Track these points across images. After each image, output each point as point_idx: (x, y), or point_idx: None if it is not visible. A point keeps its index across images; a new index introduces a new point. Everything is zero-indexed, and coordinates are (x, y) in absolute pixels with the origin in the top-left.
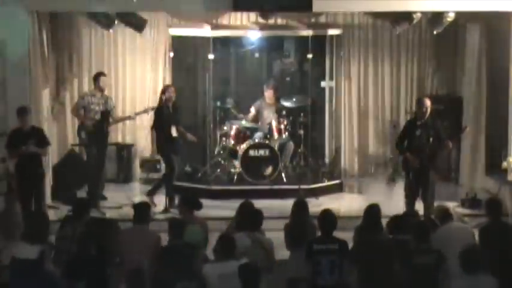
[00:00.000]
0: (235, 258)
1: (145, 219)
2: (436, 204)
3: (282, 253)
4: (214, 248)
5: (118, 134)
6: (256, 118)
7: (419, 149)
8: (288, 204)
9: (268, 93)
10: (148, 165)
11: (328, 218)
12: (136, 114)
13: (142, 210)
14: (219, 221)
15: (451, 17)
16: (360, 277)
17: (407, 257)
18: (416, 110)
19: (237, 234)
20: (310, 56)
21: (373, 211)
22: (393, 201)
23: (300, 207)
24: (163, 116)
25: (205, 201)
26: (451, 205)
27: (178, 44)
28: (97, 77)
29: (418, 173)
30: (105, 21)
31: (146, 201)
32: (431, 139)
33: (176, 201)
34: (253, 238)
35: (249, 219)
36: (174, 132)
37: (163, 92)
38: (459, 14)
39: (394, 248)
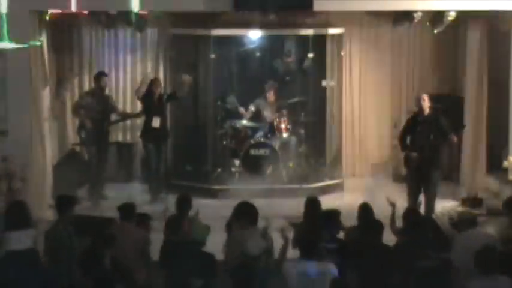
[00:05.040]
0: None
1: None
2: (459, 209)
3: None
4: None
5: (118, 134)
6: (256, 116)
7: (421, 146)
8: (288, 203)
9: (270, 94)
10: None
11: (334, 218)
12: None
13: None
14: (219, 220)
15: (451, 16)
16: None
17: (410, 261)
18: (417, 107)
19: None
20: (311, 55)
21: (365, 211)
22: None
23: (314, 206)
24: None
25: (205, 201)
26: (451, 204)
27: (179, 43)
28: (98, 76)
29: (420, 170)
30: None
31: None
32: (432, 136)
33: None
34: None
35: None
36: (156, 122)
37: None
38: (460, 14)
39: (391, 252)
